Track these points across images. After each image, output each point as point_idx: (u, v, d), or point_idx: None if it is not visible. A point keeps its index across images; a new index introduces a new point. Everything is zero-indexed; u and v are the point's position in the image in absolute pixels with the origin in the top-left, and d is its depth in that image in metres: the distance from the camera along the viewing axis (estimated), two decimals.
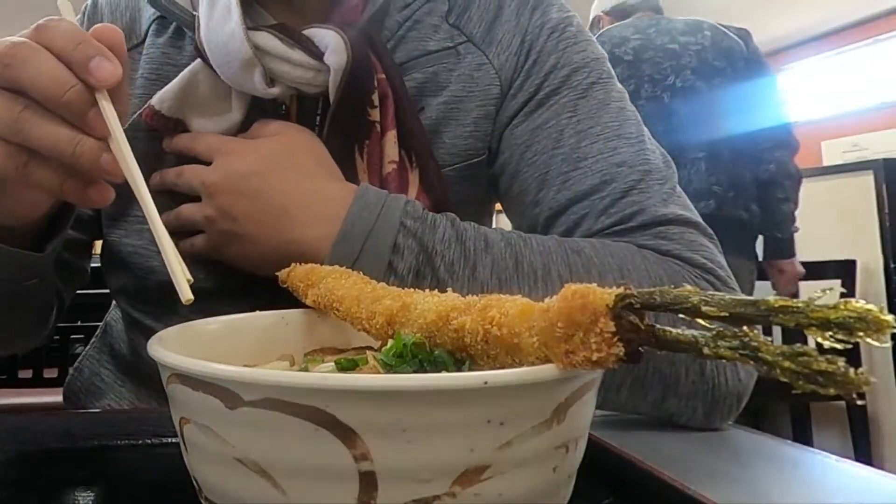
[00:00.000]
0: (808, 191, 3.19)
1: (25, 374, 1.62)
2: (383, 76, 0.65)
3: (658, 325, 0.26)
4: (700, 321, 0.25)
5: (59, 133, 0.44)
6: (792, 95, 5.58)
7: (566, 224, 0.64)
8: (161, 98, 0.64)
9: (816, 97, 5.43)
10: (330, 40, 0.62)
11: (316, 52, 0.62)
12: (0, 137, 0.44)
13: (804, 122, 5.51)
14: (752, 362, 0.23)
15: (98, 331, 0.83)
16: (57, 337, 1.56)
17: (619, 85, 0.70)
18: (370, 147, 0.65)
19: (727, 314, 0.24)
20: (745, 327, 0.24)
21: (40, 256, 0.56)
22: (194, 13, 0.66)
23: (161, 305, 0.68)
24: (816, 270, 2.69)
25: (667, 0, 2.17)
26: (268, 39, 0.61)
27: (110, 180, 0.46)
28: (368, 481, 0.26)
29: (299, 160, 0.62)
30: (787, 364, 0.22)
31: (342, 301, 0.43)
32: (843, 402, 2.71)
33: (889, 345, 2.49)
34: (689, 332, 0.25)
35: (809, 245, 3.14)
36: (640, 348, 0.27)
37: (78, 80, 0.43)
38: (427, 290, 0.39)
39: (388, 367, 0.34)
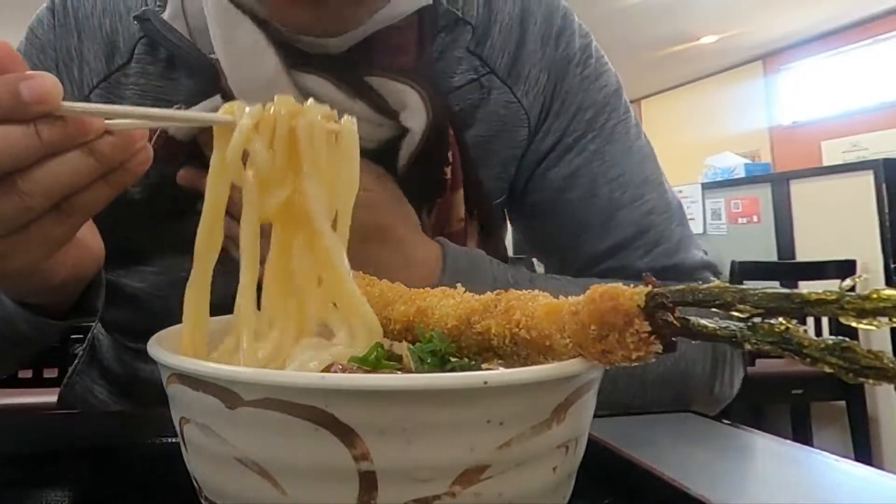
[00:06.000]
0: (808, 191, 3.21)
1: (25, 374, 1.62)
2: (452, 134, 0.60)
3: (693, 320, 0.27)
4: (734, 313, 0.25)
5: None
6: (792, 95, 5.61)
7: (608, 266, 0.68)
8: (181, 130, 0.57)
9: (816, 97, 5.42)
10: (407, 98, 0.57)
11: (381, 106, 0.56)
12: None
13: (804, 122, 5.52)
14: (795, 357, 0.24)
15: (85, 343, 0.80)
16: None
17: (633, 116, 0.72)
18: (440, 206, 0.62)
19: (762, 311, 0.24)
20: (780, 319, 0.24)
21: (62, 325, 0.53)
22: (211, 55, 0.57)
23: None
24: (816, 270, 2.69)
25: (669, 0, 2.18)
26: (322, 86, 0.54)
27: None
28: (368, 481, 0.26)
29: (382, 220, 0.57)
30: (833, 360, 0.23)
31: None
32: (843, 402, 2.72)
33: (888, 344, 2.49)
34: (726, 326, 0.26)
35: (809, 245, 3.14)
36: (672, 339, 0.27)
37: None
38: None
39: (420, 362, 0.34)
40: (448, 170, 0.61)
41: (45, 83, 0.35)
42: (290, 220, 0.37)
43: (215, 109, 0.55)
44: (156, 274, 0.64)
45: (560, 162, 0.68)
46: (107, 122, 0.37)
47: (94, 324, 0.79)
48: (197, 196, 0.57)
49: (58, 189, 0.37)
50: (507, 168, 0.68)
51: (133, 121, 0.37)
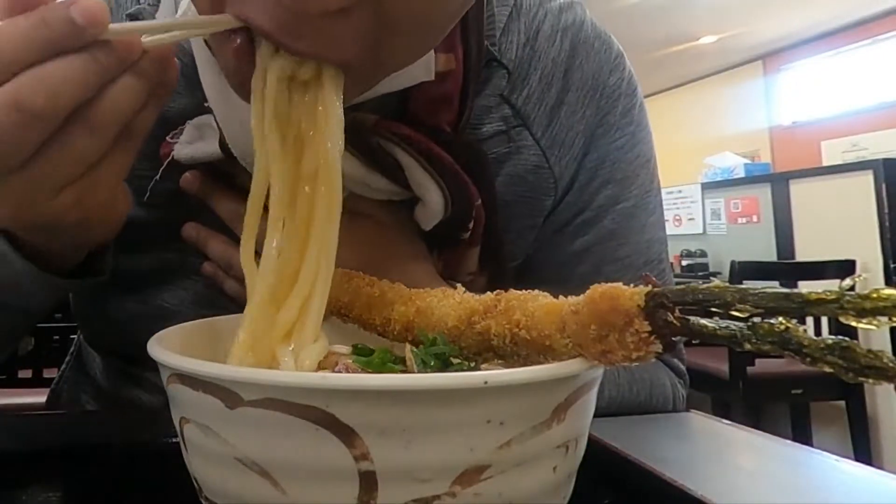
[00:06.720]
0: (808, 191, 3.21)
1: (25, 374, 1.63)
2: (480, 202, 0.55)
3: (693, 320, 0.27)
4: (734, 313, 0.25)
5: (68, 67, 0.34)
6: (792, 95, 5.61)
7: None
8: (184, 156, 0.54)
9: (816, 97, 5.42)
10: (429, 196, 0.52)
11: (402, 181, 0.52)
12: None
13: (804, 121, 5.52)
14: (795, 356, 0.24)
15: (73, 348, 0.79)
16: (56, 337, 1.56)
17: (657, 182, 0.68)
18: (448, 255, 0.59)
19: (762, 311, 0.24)
20: (780, 319, 0.24)
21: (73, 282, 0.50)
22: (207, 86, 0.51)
23: (142, 360, 0.58)
24: (816, 270, 2.69)
25: (669, 0, 2.18)
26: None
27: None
28: (368, 481, 0.26)
29: (394, 247, 0.55)
30: (833, 359, 0.23)
31: (350, 308, 0.43)
32: (842, 402, 2.72)
33: (888, 344, 2.49)
34: (727, 326, 0.26)
35: (809, 245, 3.14)
36: (673, 339, 0.27)
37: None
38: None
39: (424, 365, 0.34)
40: (466, 235, 0.56)
41: (92, 5, 0.34)
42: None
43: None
44: (138, 303, 0.62)
45: (575, 239, 0.64)
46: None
47: (78, 332, 0.77)
48: (186, 216, 0.56)
49: (125, 116, 0.37)
50: (524, 235, 0.63)
51: (159, 36, 0.37)
